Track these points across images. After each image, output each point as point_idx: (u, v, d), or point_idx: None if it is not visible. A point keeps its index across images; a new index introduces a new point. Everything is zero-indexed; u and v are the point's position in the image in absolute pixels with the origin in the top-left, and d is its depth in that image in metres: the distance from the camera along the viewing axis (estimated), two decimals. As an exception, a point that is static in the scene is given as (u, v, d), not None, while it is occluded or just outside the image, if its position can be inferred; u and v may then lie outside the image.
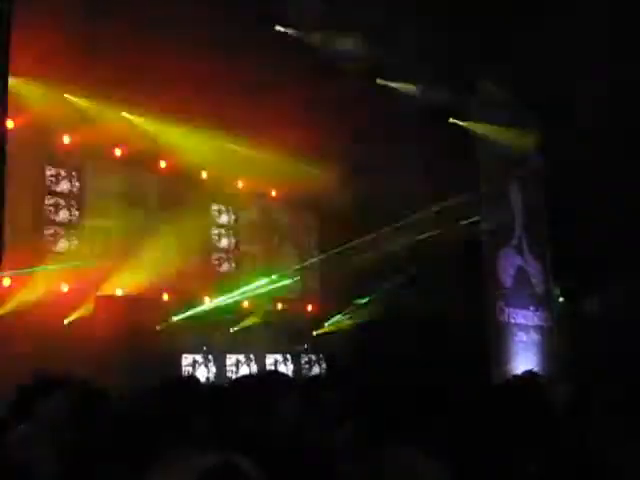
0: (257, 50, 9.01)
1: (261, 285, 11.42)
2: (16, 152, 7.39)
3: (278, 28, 9.73)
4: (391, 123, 10.86)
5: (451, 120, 12.25)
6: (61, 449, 3.42)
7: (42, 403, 3.57)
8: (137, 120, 10.28)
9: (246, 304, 11.51)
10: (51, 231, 9.58)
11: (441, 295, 10.96)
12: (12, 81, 7.05)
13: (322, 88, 9.49)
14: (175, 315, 10.35)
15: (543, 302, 13.91)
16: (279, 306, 12.05)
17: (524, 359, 12.43)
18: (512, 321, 12.68)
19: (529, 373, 9.10)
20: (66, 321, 9.11)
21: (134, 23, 8.29)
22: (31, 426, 3.47)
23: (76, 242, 9.72)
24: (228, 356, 11.08)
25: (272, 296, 11.74)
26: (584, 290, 14.05)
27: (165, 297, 10.47)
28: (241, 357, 11.25)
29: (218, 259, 11.83)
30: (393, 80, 11.44)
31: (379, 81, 11.33)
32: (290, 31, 9.78)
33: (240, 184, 12.00)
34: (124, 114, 10.16)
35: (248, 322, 11.34)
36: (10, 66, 6.72)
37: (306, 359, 12.16)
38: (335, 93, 9.80)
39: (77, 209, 9.87)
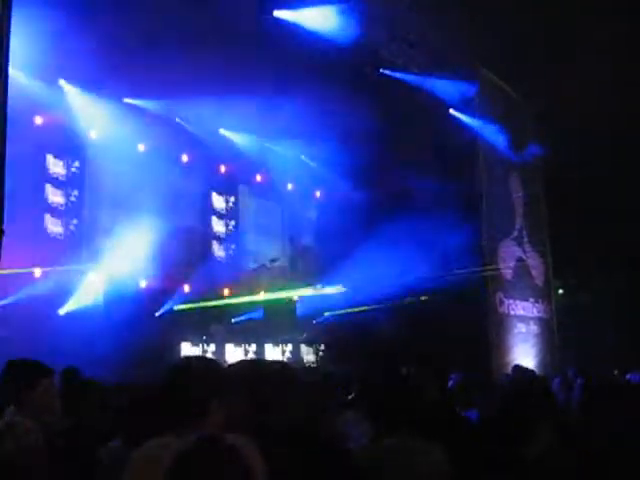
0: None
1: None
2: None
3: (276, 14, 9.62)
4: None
5: (452, 112, 12.20)
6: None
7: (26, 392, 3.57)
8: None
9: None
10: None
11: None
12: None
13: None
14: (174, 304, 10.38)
15: (543, 294, 13.90)
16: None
17: (523, 350, 12.44)
18: (512, 312, 12.67)
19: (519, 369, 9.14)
20: (62, 311, 9.10)
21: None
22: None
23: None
24: (227, 345, 11.07)
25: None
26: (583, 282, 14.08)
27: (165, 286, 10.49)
28: (240, 346, 11.24)
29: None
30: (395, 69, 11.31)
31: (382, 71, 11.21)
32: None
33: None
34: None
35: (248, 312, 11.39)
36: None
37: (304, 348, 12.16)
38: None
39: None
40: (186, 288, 10.84)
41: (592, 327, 12.89)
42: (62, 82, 9.65)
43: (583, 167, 12.21)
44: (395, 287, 11.25)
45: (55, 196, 9.70)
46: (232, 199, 12.59)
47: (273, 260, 11.94)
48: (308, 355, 12.11)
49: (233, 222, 12.53)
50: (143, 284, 10.22)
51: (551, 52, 10.62)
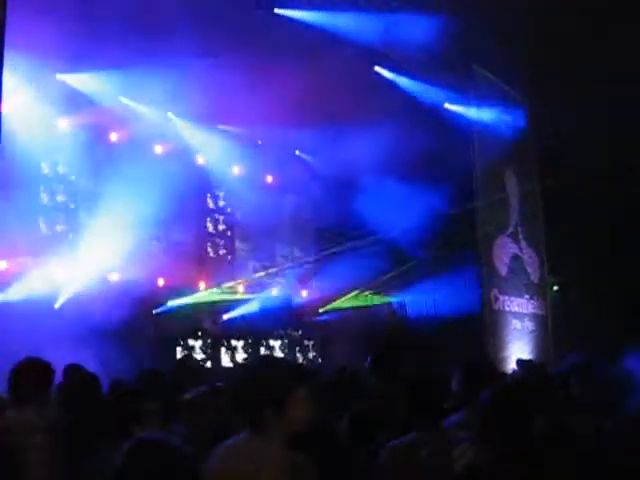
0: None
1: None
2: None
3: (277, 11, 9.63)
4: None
5: (447, 105, 12.22)
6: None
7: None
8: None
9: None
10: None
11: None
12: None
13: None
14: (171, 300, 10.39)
15: (538, 290, 13.93)
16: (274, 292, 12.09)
17: (518, 347, 12.47)
18: (507, 309, 12.70)
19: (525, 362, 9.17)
20: (56, 305, 9.10)
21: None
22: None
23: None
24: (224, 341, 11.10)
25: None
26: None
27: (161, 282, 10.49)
28: (236, 342, 11.26)
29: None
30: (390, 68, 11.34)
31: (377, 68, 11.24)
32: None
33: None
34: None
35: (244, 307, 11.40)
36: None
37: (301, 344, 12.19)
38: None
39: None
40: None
41: (587, 323, 12.91)
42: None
43: (580, 163, 12.24)
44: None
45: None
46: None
47: None
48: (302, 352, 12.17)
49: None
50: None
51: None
